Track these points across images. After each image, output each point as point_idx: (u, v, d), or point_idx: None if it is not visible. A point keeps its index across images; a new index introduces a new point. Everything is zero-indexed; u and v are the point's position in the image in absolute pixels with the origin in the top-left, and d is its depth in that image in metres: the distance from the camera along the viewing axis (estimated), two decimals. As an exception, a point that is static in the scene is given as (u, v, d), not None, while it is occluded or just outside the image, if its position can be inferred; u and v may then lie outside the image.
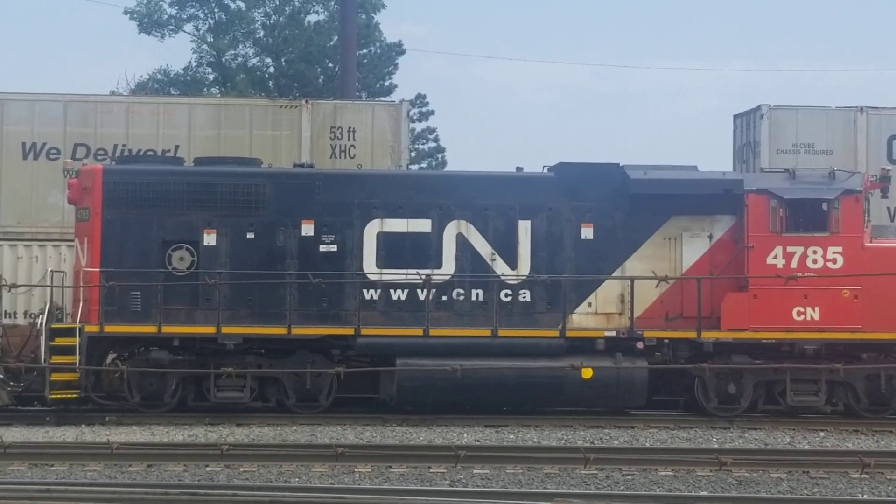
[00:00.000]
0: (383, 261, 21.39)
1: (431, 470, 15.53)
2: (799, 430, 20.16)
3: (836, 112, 25.80)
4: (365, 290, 21.27)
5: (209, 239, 21.27)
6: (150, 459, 15.99)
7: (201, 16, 45.38)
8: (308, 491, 13.76)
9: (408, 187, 21.92)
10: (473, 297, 21.46)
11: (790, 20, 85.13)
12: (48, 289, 21.43)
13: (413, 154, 42.01)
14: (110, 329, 20.84)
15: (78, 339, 20.59)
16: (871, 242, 21.51)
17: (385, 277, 21.28)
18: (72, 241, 22.13)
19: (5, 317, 23.18)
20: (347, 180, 21.90)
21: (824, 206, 21.43)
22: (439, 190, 21.81)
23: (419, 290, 21.25)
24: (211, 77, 45.72)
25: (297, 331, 20.98)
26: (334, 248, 21.42)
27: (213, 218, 21.30)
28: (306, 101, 25.53)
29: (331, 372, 19.73)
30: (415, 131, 45.19)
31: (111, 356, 21.71)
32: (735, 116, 26.89)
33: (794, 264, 21.19)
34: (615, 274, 21.52)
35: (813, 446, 18.59)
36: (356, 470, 15.50)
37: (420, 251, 21.45)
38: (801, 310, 21.10)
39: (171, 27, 45.17)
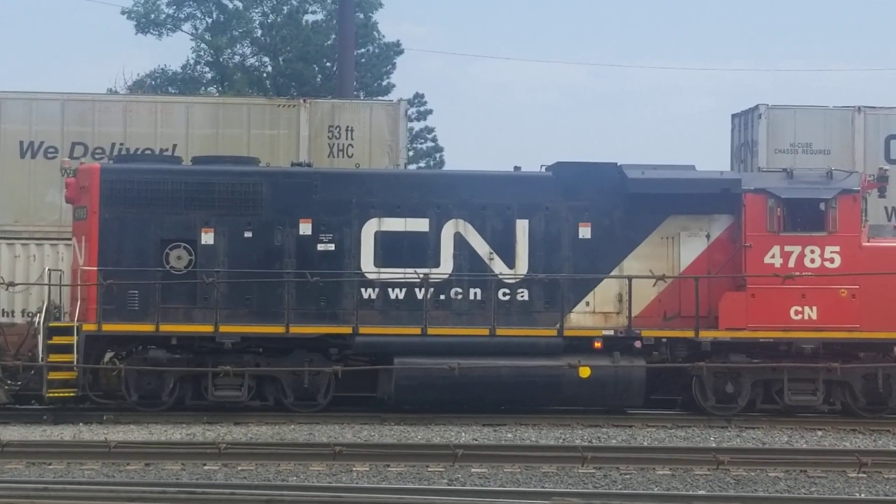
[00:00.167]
0: (381, 260, 21.39)
1: (429, 469, 15.53)
2: (796, 429, 20.17)
3: (834, 112, 25.81)
4: (363, 289, 21.27)
5: (207, 238, 21.26)
6: (148, 458, 15.98)
7: (199, 15, 45.40)
8: (306, 490, 13.75)
9: (406, 186, 21.92)
10: (471, 297, 21.46)
11: (788, 20, 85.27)
12: (46, 287, 21.44)
13: (411, 153, 41.99)
14: (108, 328, 20.83)
15: (76, 338, 20.59)
16: (868, 242, 21.52)
17: (383, 276, 21.28)
18: (69, 239, 22.13)
19: (3, 315, 23.22)
20: (345, 179, 21.89)
21: (822, 206, 21.45)
22: (437, 189, 21.81)
23: (417, 290, 21.25)
24: (209, 76, 45.76)
25: (295, 330, 20.98)
26: (332, 247, 21.42)
27: (211, 217, 21.29)
28: (304, 101, 25.53)
29: (328, 371, 19.76)
30: (413, 131, 45.24)
31: (109, 355, 21.70)
32: (733, 116, 26.91)
33: (791, 264, 21.20)
34: (613, 273, 21.53)
35: (810, 445, 18.59)
36: (354, 469, 15.50)
37: (418, 250, 21.46)
38: (799, 309, 21.12)
39: (168, 26, 45.17)
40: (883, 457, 16.45)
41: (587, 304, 21.59)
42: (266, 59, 45.86)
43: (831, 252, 21.29)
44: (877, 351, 21.38)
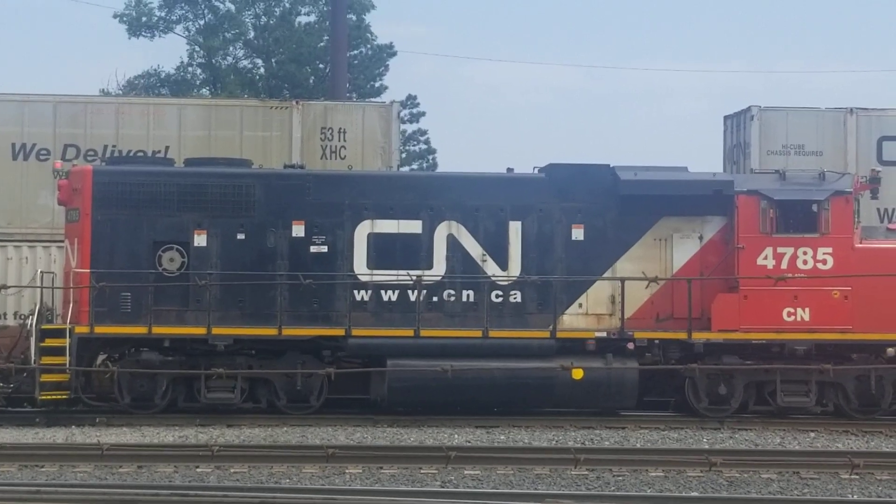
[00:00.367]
0: (374, 262, 21.39)
1: (422, 471, 15.52)
2: (789, 430, 20.18)
3: (826, 113, 25.83)
4: (356, 291, 21.26)
5: (199, 240, 21.24)
6: (141, 460, 15.95)
7: (191, 17, 45.35)
8: (299, 492, 13.72)
9: (398, 188, 21.92)
10: (464, 298, 21.46)
11: (781, 22, 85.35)
12: (38, 290, 21.38)
13: (404, 155, 42.04)
14: (100, 330, 20.81)
15: (68, 340, 20.56)
16: (860, 243, 21.54)
17: (376, 278, 21.27)
18: (62, 242, 22.10)
19: (-5, 318, 23.18)
20: (338, 181, 21.88)
21: (814, 208, 21.47)
22: (430, 191, 21.81)
23: (410, 291, 21.25)
24: (201, 78, 45.69)
25: (288, 332, 20.97)
26: (325, 248, 21.41)
27: (204, 219, 21.28)
28: (297, 102, 25.53)
29: (321, 373, 19.77)
30: (406, 133, 45.20)
31: (101, 357, 21.67)
32: (725, 118, 26.92)
33: (784, 265, 21.22)
34: (606, 275, 21.54)
35: (803, 447, 18.61)
36: (347, 471, 15.48)
37: (411, 252, 21.45)
38: (792, 310, 21.14)
39: (160, 28, 45.12)
40: (875, 458, 16.46)
41: (580, 305, 21.60)
42: (259, 60, 45.85)
43: (824, 253, 21.31)
44: (869, 352, 21.42)
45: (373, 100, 38.87)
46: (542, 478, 15.23)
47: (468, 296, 21.46)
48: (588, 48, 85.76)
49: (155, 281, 20.90)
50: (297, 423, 20.43)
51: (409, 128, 46.66)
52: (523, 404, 21.51)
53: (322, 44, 43.75)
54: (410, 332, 21.00)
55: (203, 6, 45.02)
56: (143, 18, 44.66)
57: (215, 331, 20.82)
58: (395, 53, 46.23)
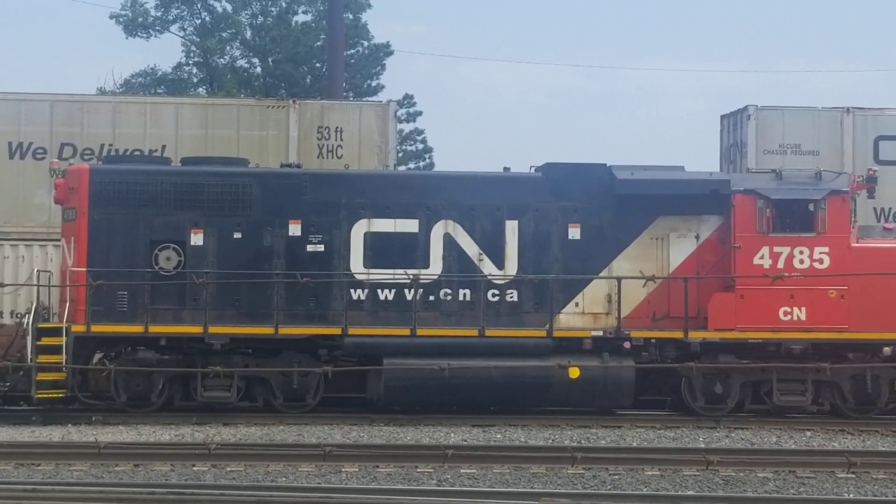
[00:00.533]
0: (371, 261, 21.39)
1: (419, 469, 15.53)
2: (785, 429, 20.19)
3: (823, 113, 25.85)
4: (352, 290, 21.26)
5: (196, 239, 21.24)
6: (137, 459, 15.96)
7: (187, 16, 45.32)
8: (295, 490, 13.73)
9: (395, 187, 21.93)
10: (461, 297, 21.46)
11: (778, 22, 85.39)
12: (35, 288, 21.38)
13: (401, 155, 41.96)
14: (97, 329, 20.81)
15: (64, 339, 20.55)
16: (857, 243, 21.56)
17: (372, 277, 21.27)
18: (58, 240, 22.10)
19: (-8, 316, 23.18)
20: (335, 180, 21.88)
21: (811, 207, 21.48)
22: (427, 190, 21.81)
23: (406, 290, 21.25)
24: (198, 77, 45.66)
25: (285, 330, 20.97)
26: (321, 248, 21.41)
27: (200, 218, 21.28)
28: (294, 102, 25.53)
29: (318, 371, 19.76)
30: (402, 132, 45.18)
31: (98, 356, 21.67)
32: (722, 117, 26.94)
33: (780, 264, 21.23)
34: (602, 274, 21.54)
35: (799, 446, 18.62)
36: (343, 470, 15.49)
37: (407, 251, 21.45)
38: (788, 310, 21.15)
39: (156, 28, 45.11)
40: (871, 457, 16.49)
41: (576, 304, 21.60)
42: (255, 60, 45.83)
43: (820, 253, 21.32)
44: (865, 351, 21.40)
45: (369, 99, 38.92)
46: (539, 476, 15.23)
47: (465, 295, 21.47)
48: (585, 48, 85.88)
49: (151, 280, 20.89)
50: (293, 421, 20.43)
51: (406, 127, 46.70)
52: (520, 403, 21.51)
53: (319, 43, 43.73)
54: (407, 331, 21.00)
55: (199, 6, 44.99)
56: (140, 19, 44.62)
57: (212, 329, 20.82)
58: (391, 53, 46.27)
